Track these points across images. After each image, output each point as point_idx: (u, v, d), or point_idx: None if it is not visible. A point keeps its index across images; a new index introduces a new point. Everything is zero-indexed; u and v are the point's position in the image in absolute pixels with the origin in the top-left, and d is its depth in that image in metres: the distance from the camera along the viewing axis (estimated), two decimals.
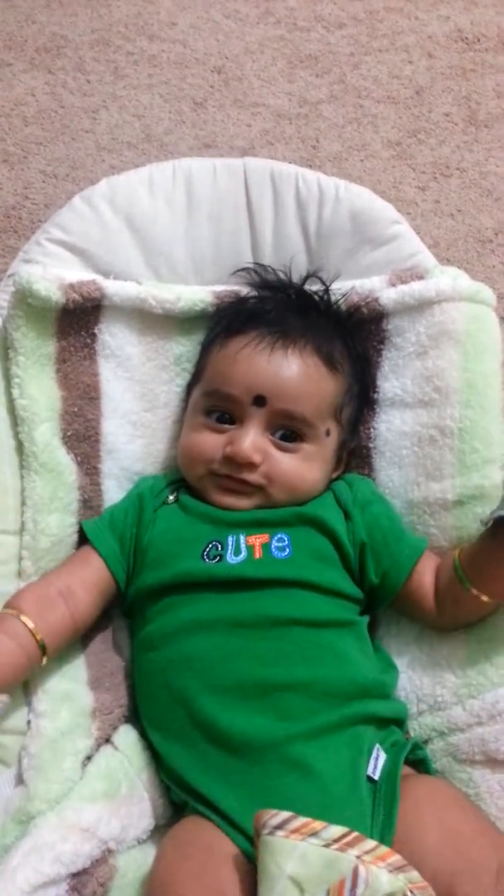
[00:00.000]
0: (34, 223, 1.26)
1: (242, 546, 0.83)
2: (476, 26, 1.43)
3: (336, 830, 0.62)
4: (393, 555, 0.86)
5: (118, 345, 0.95)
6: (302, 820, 0.63)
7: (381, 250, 0.99)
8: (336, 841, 0.62)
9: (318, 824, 0.62)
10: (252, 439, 0.85)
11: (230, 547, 0.83)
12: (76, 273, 0.94)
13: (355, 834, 0.62)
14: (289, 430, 0.86)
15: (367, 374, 0.95)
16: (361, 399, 0.94)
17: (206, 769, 0.77)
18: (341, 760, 0.76)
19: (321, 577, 0.83)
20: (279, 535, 0.84)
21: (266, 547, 0.84)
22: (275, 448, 0.86)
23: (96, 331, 0.94)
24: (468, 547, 0.84)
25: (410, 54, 1.41)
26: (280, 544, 0.84)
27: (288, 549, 0.84)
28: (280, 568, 0.82)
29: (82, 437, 0.93)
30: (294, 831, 0.62)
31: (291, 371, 0.86)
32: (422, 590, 0.86)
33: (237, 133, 1.35)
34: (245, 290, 0.98)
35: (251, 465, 0.84)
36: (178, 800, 0.80)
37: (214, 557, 0.83)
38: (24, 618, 0.80)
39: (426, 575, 0.86)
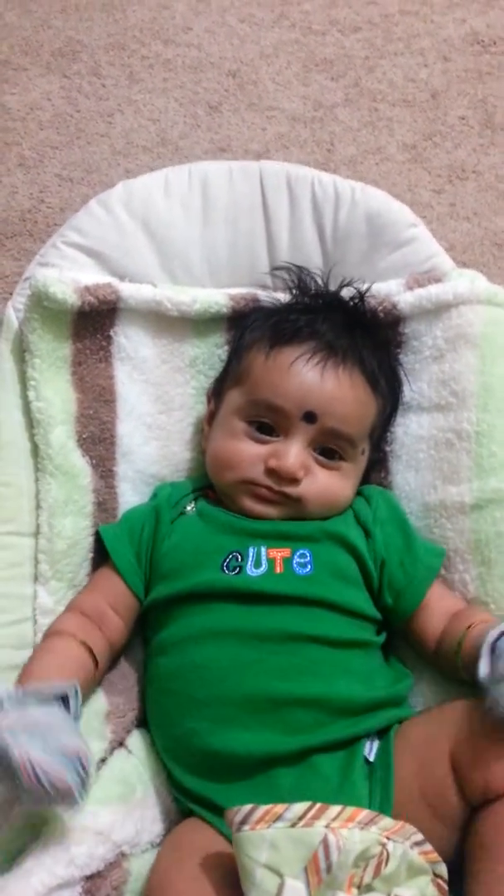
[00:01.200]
0: (50, 227, 1.27)
1: (263, 559, 0.83)
2: (492, 29, 1.42)
3: (299, 807, 0.62)
4: (408, 574, 0.86)
5: (133, 347, 0.95)
6: (264, 808, 0.63)
7: (397, 253, 0.98)
8: (301, 818, 0.62)
9: (280, 807, 0.62)
10: (297, 455, 0.84)
11: (251, 558, 0.83)
12: (92, 276, 0.94)
13: (318, 805, 0.63)
14: (332, 448, 0.86)
15: (400, 392, 0.95)
16: (389, 419, 0.95)
17: (208, 774, 0.77)
18: (342, 758, 0.76)
19: (341, 596, 0.82)
20: (301, 551, 0.84)
21: (287, 562, 0.83)
22: (316, 464, 0.86)
23: (112, 333, 0.94)
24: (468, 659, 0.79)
25: (426, 57, 1.41)
26: (302, 560, 0.83)
27: (310, 566, 0.83)
28: (300, 585, 0.81)
29: (97, 439, 0.93)
30: (259, 821, 0.62)
31: (343, 391, 0.86)
32: (430, 618, 0.85)
33: (252, 137, 1.35)
34: (261, 293, 0.97)
35: (294, 481, 0.84)
36: (184, 808, 0.79)
37: (234, 569, 0.82)
38: (70, 636, 0.81)
39: (437, 602, 0.85)
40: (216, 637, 0.80)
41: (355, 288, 0.95)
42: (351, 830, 0.61)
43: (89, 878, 0.70)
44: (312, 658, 0.79)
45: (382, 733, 0.79)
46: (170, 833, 0.77)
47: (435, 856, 0.66)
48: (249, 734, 0.75)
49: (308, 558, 0.83)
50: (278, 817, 0.62)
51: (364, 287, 0.95)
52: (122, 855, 0.73)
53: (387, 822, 0.63)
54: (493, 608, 0.85)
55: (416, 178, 1.32)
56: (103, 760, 0.80)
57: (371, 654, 0.84)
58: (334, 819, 0.62)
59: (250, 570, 0.82)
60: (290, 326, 0.88)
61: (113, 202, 0.98)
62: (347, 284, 0.96)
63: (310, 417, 0.85)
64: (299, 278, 0.97)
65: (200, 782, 0.77)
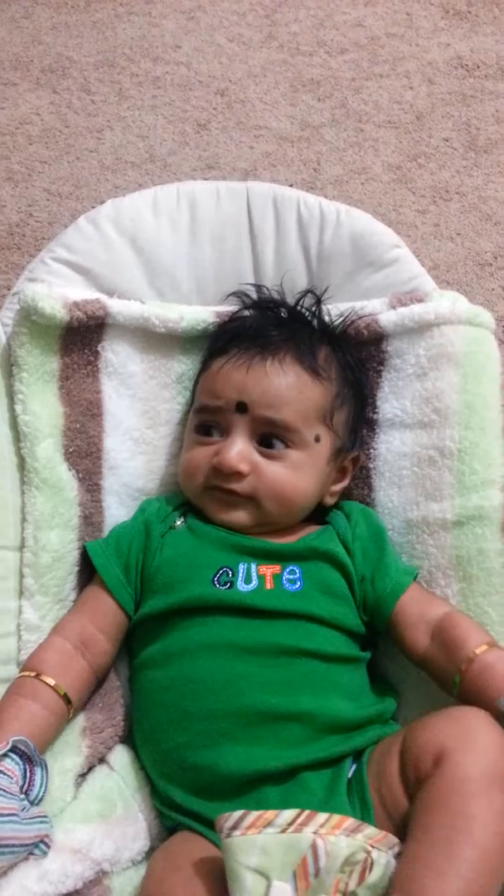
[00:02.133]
0: (38, 241, 1.28)
1: (254, 575, 0.84)
2: (476, 53, 1.45)
3: (289, 814, 0.64)
4: (377, 590, 0.86)
5: (121, 362, 0.96)
6: (255, 814, 0.64)
7: (381, 273, 1.00)
8: (290, 824, 0.63)
9: (270, 814, 0.64)
10: (237, 449, 0.85)
11: (241, 574, 0.84)
12: (81, 292, 0.95)
13: (307, 812, 0.64)
14: (273, 437, 0.87)
15: (361, 377, 0.95)
16: (358, 403, 0.94)
17: (197, 792, 0.77)
18: (328, 776, 0.77)
19: (330, 612, 0.83)
20: (291, 568, 0.85)
21: (277, 578, 0.84)
22: (261, 457, 0.86)
23: (99, 348, 0.95)
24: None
25: (411, 80, 1.43)
26: (291, 577, 0.84)
27: (299, 583, 0.84)
28: (291, 601, 0.82)
29: (84, 453, 0.93)
30: (250, 826, 0.63)
31: (271, 379, 0.87)
32: (407, 629, 0.85)
33: (240, 155, 1.36)
34: (246, 311, 0.99)
35: (238, 475, 0.85)
36: (170, 824, 0.79)
37: (225, 584, 0.83)
38: (43, 677, 0.80)
39: (412, 611, 0.85)
40: (209, 650, 0.80)
41: (313, 293, 0.98)
42: (338, 837, 0.63)
43: (68, 895, 0.69)
44: (304, 672, 0.79)
45: (360, 752, 0.80)
46: (161, 845, 0.77)
47: None
48: (240, 749, 0.76)
49: (297, 574, 0.84)
50: (269, 823, 0.63)
51: (319, 293, 0.97)
52: (103, 872, 0.73)
53: (371, 830, 0.65)
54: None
55: (400, 198, 1.34)
56: (83, 776, 0.80)
57: (359, 670, 0.85)
58: (322, 826, 0.63)
59: (241, 586, 0.83)
60: (225, 337, 0.92)
61: (101, 219, 0.99)
62: (308, 292, 0.98)
63: (241, 407, 0.86)
64: (248, 295, 0.99)
65: (189, 799, 0.77)
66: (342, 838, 0.62)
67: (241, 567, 0.84)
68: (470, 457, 0.90)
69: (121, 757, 0.83)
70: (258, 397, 0.86)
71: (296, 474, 0.87)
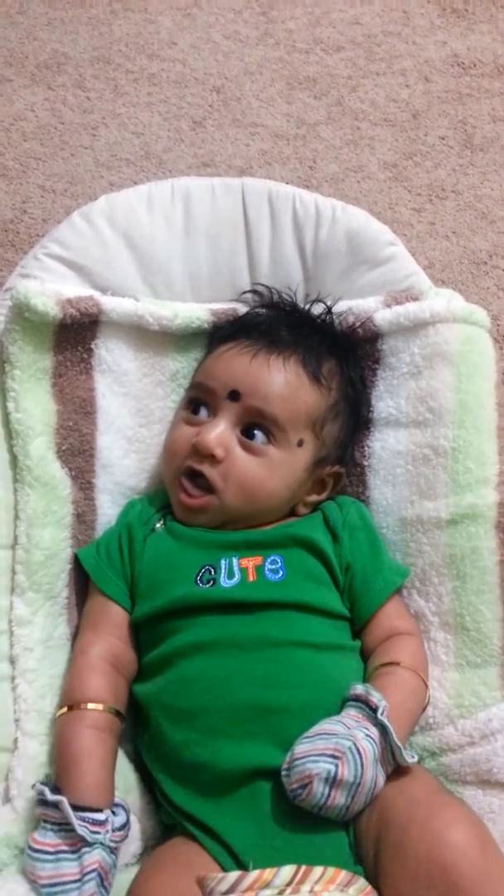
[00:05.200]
0: (32, 237, 1.27)
1: (236, 569, 0.84)
2: (472, 52, 1.45)
3: (287, 872, 0.64)
4: (367, 583, 0.87)
5: (114, 360, 0.96)
6: (252, 876, 0.63)
7: (376, 271, 0.99)
8: (289, 885, 0.63)
9: (268, 873, 0.63)
10: (219, 432, 0.86)
11: (223, 570, 0.84)
12: (74, 289, 0.95)
13: (304, 868, 0.64)
14: (258, 428, 0.86)
15: (361, 398, 0.95)
16: (352, 422, 0.94)
17: (195, 787, 0.76)
18: None
19: (315, 598, 0.83)
20: (272, 557, 0.85)
21: (259, 569, 0.84)
22: (240, 447, 0.86)
23: (93, 346, 0.94)
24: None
25: (407, 78, 1.43)
26: (273, 566, 0.84)
27: (282, 571, 0.84)
28: (274, 590, 0.82)
29: (77, 451, 0.93)
30: (247, 890, 0.63)
31: (272, 374, 0.87)
32: (372, 632, 0.86)
33: (235, 152, 1.36)
34: (242, 309, 0.98)
35: (213, 459, 0.85)
36: (170, 821, 0.79)
37: (208, 582, 0.83)
38: (90, 705, 0.80)
39: (385, 619, 0.86)
40: (199, 650, 0.80)
41: (323, 302, 0.97)
42: (332, 893, 0.63)
43: None
44: (296, 664, 0.79)
45: None
46: (156, 849, 0.77)
47: None
48: (235, 745, 0.76)
49: (279, 564, 0.84)
50: (267, 884, 0.63)
51: (331, 302, 0.97)
52: None
53: (361, 883, 0.65)
54: (467, 621, 0.86)
55: (396, 196, 1.34)
56: None
57: (350, 659, 0.85)
58: (317, 882, 0.64)
59: (224, 582, 0.83)
60: (235, 326, 0.93)
61: (95, 215, 0.98)
62: (317, 300, 0.97)
63: (234, 395, 0.87)
64: (260, 294, 0.99)
65: (188, 796, 0.77)
66: (336, 894, 0.63)
67: (223, 563, 0.84)
68: (464, 455, 0.90)
69: (119, 762, 0.83)
70: (253, 387, 0.86)
71: (268, 473, 0.86)
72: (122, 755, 0.84)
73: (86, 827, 0.70)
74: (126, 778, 0.82)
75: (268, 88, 1.41)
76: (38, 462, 0.89)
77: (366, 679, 0.82)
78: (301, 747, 0.71)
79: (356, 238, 0.99)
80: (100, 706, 0.79)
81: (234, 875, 0.64)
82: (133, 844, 0.78)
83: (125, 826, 0.74)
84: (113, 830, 0.72)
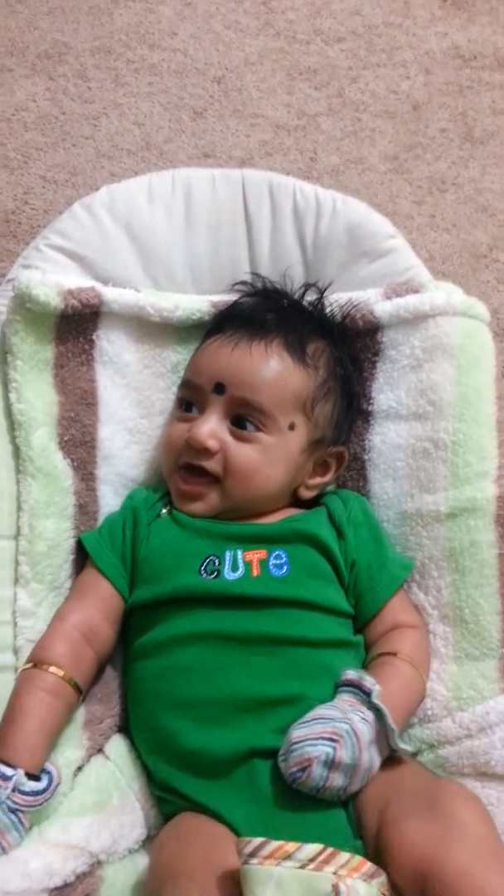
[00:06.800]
0: (33, 228, 1.27)
1: (240, 562, 0.84)
2: (473, 44, 1.45)
3: (311, 849, 0.62)
4: (373, 579, 0.87)
5: (116, 351, 0.96)
6: (275, 844, 0.62)
7: (376, 263, 1.00)
8: (311, 861, 0.62)
9: (291, 846, 0.62)
10: (209, 426, 0.86)
11: (228, 562, 0.84)
12: (75, 279, 0.95)
13: (330, 850, 0.63)
14: (246, 419, 0.87)
15: (353, 376, 0.95)
16: (345, 399, 0.94)
17: (191, 770, 0.77)
18: None
19: (319, 595, 0.83)
20: (277, 552, 0.85)
21: (264, 564, 0.84)
22: (232, 437, 0.87)
23: (94, 337, 0.95)
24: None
25: (408, 70, 1.43)
26: (278, 561, 0.84)
27: (286, 567, 0.84)
28: (278, 586, 0.82)
29: (79, 442, 0.93)
30: (268, 857, 0.62)
31: (251, 360, 0.87)
32: (377, 626, 0.87)
33: (236, 143, 1.36)
34: (242, 301, 0.99)
35: (207, 452, 0.85)
36: (169, 809, 0.80)
37: (212, 573, 0.83)
38: (52, 668, 0.80)
39: (390, 614, 0.87)
40: (198, 640, 0.80)
41: (316, 287, 0.97)
42: (356, 881, 0.61)
43: (59, 888, 0.69)
44: (294, 659, 0.80)
45: None
46: (166, 825, 0.77)
47: None
48: (231, 733, 0.76)
49: (284, 559, 0.85)
50: (288, 856, 0.61)
51: (322, 286, 0.97)
52: (98, 863, 0.73)
53: (384, 878, 0.64)
54: (466, 613, 0.87)
55: (397, 188, 1.34)
56: (80, 768, 0.81)
57: (351, 654, 0.85)
58: (342, 866, 0.62)
59: (228, 574, 0.83)
60: (221, 317, 0.94)
61: (96, 206, 0.98)
62: (311, 286, 0.97)
63: (219, 388, 0.87)
64: (252, 284, 0.99)
65: (184, 778, 0.77)
66: (360, 883, 0.61)
67: (228, 554, 0.84)
68: (464, 449, 0.90)
69: (117, 746, 0.84)
70: (236, 377, 0.86)
71: (264, 458, 0.86)
72: (128, 742, 0.85)
73: None
74: (132, 765, 0.83)
75: (268, 79, 1.41)
76: (40, 453, 0.89)
77: (364, 669, 0.83)
78: (298, 732, 0.72)
79: (356, 230, 0.99)
80: (59, 672, 0.79)
81: (258, 840, 0.62)
82: (136, 831, 0.79)
83: (41, 793, 0.73)
84: (21, 792, 0.72)
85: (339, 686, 0.78)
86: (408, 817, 0.68)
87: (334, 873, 0.61)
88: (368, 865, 0.63)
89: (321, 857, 0.62)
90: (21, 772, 0.73)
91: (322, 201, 1.00)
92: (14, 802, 0.72)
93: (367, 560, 0.88)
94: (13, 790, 0.71)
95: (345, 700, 0.76)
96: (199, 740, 0.77)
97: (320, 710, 0.74)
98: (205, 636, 0.80)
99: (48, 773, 0.75)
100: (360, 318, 0.96)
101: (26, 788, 0.72)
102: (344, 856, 0.62)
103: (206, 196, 1.01)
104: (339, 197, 1.01)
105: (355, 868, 0.62)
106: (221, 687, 0.78)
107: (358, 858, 0.63)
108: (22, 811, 0.72)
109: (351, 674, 0.78)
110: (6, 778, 0.72)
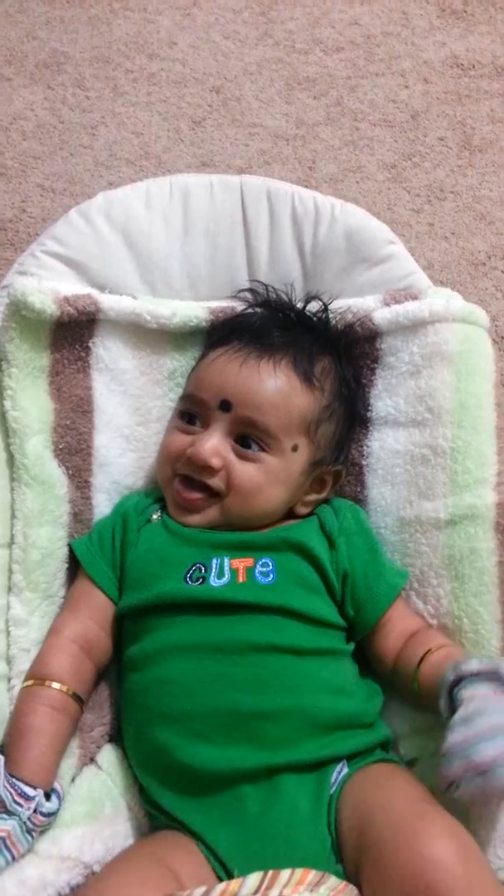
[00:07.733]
0: (31, 236, 1.27)
1: (226, 569, 0.83)
2: (471, 53, 1.45)
3: (252, 880, 0.63)
4: (371, 589, 0.86)
5: (112, 358, 0.95)
6: (219, 889, 0.62)
7: (375, 270, 0.99)
8: (256, 892, 0.62)
9: (234, 884, 0.62)
10: (213, 443, 0.85)
11: (214, 569, 0.83)
12: (71, 286, 0.94)
13: (270, 873, 0.63)
14: (250, 438, 0.86)
15: (357, 396, 0.95)
16: (348, 421, 0.93)
17: (178, 788, 0.76)
18: (313, 781, 0.76)
19: (304, 604, 0.82)
20: (264, 560, 0.84)
21: (250, 571, 0.83)
22: (235, 455, 0.86)
23: (90, 344, 0.94)
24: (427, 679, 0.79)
25: (406, 79, 1.43)
26: (264, 569, 0.83)
27: (272, 575, 0.83)
28: (263, 593, 0.81)
29: (74, 450, 0.92)
30: None
31: (259, 381, 0.86)
32: (388, 637, 0.86)
33: (235, 153, 1.36)
34: (240, 307, 0.98)
35: (210, 469, 0.85)
36: (158, 825, 0.79)
37: (197, 580, 0.83)
38: (54, 684, 0.80)
39: (397, 621, 0.86)
40: (181, 652, 0.79)
41: (320, 299, 0.96)
42: (301, 893, 0.62)
43: None
44: (277, 669, 0.78)
45: (351, 760, 0.79)
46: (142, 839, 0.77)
47: None
48: (216, 749, 0.75)
49: (270, 567, 0.84)
50: (234, 895, 0.62)
51: (328, 299, 0.96)
52: (93, 874, 0.72)
53: (333, 881, 0.64)
54: (465, 622, 0.85)
55: (395, 197, 1.34)
56: (72, 779, 0.80)
57: (341, 663, 0.84)
58: (286, 885, 0.63)
59: (213, 581, 0.82)
60: (227, 328, 0.92)
61: (93, 212, 0.98)
62: (314, 298, 0.97)
63: (225, 406, 0.86)
64: (257, 292, 0.98)
65: (172, 797, 0.76)
66: (306, 894, 0.62)
67: (214, 562, 0.83)
68: (463, 456, 0.89)
69: (109, 756, 0.83)
70: (243, 396, 0.85)
71: (266, 478, 0.86)
72: (120, 751, 0.84)
73: (10, 793, 0.71)
74: (124, 774, 0.82)
75: (267, 89, 1.41)
76: (34, 461, 0.88)
77: (417, 672, 0.80)
78: (466, 732, 0.67)
79: (355, 236, 0.99)
80: (62, 687, 0.80)
81: (199, 891, 0.63)
82: (129, 840, 0.78)
83: (51, 815, 0.74)
84: (38, 813, 0.72)
85: (453, 683, 0.73)
86: (383, 876, 0.65)
87: (279, 895, 0.62)
88: (312, 874, 0.64)
89: (265, 885, 0.63)
90: (41, 792, 0.73)
91: (320, 207, 1.00)
92: (33, 823, 0.72)
93: (362, 569, 0.87)
94: (34, 811, 0.72)
95: (488, 692, 0.70)
96: (185, 755, 0.76)
97: (481, 705, 0.68)
98: (188, 647, 0.79)
99: (56, 791, 0.75)
100: (359, 324, 0.95)
101: (44, 809, 0.73)
102: (285, 873, 0.63)
103: (204, 202, 1.00)
104: (337, 203, 1.01)
105: (299, 882, 0.63)
106: (205, 700, 0.77)
107: (300, 871, 0.64)
108: (35, 831, 0.72)
109: (473, 664, 0.72)
110: (28, 798, 0.72)
